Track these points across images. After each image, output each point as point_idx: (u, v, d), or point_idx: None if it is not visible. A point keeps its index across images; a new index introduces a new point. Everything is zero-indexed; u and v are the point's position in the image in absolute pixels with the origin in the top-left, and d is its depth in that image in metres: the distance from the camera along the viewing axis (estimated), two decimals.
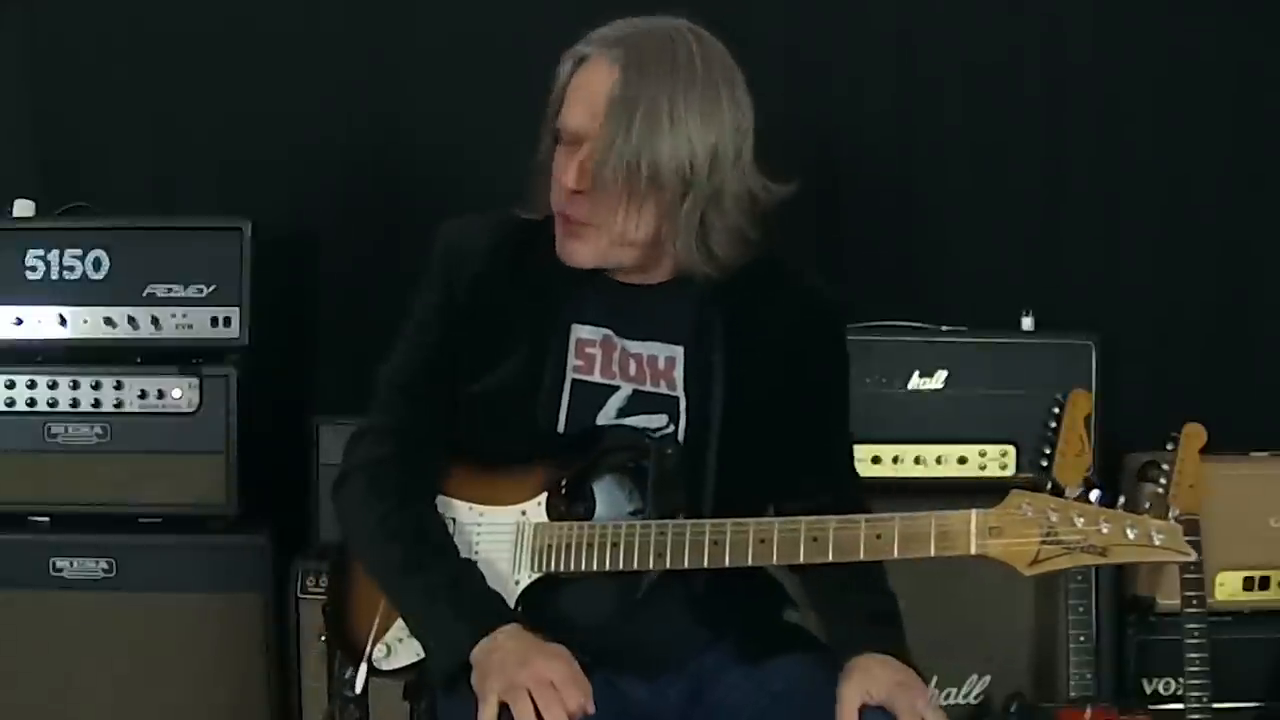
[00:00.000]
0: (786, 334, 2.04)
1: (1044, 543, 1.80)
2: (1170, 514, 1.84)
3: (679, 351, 2.03)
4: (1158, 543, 1.79)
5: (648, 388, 2.02)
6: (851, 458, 2.18)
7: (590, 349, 2.01)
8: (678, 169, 1.88)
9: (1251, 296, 3.47)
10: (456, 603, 1.91)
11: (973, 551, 1.83)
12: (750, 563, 1.90)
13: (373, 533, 2.00)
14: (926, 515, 1.85)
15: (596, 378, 2.01)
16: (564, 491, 1.98)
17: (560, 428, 2.00)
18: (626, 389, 2.01)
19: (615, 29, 1.94)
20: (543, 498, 1.98)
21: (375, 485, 2.02)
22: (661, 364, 2.03)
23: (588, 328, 2.02)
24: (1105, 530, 1.79)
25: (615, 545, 1.92)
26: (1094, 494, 1.82)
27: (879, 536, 1.85)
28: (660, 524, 1.92)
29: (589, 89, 1.90)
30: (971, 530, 1.83)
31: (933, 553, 1.84)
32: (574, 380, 2.00)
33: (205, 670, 2.93)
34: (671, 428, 2.01)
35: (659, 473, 1.96)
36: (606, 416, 2.00)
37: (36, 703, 2.92)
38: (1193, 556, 1.83)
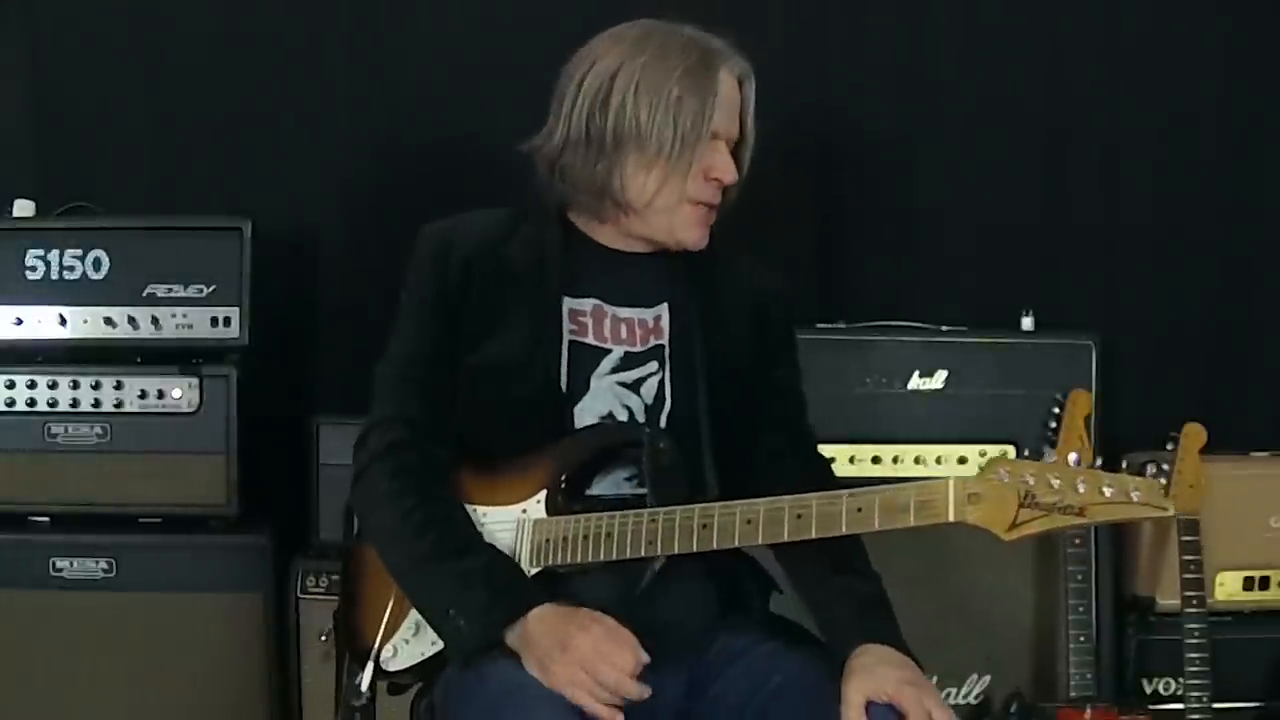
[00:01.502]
0: (748, 310, 2.19)
1: (1022, 506, 1.81)
2: (1149, 470, 1.82)
3: (664, 308, 2.15)
4: (1135, 499, 1.79)
5: (638, 348, 2.11)
6: (805, 411, 2.25)
7: (582, 317, 2.11)
8: None
9: (1251, 297, 3.47)
10: (492, 588, 1.95)
11: (951, 518, 1.84)
12: (737, 543, 1.93)
13: (399, 526, 2.02)
14: (907, 486, 1.86)
15: (590, 340, 2.10)
16: (563, 487, 2.02)
17: (562, 386, 2.06)
18: (618, 351, 2.11)
19: (697, 32, 2.14)
20: (542, 495, 2.03)
21: (396, 479, 2.05)
22: (650, 323, 2.14)
23: (578, 299, 2.11)
24: (1082, 490, 1.79)
25: (609, 535, 1.97)
26: (1071, 456, 1.83)
27: (860, 510, 1.88)
28: (652, 512, 1.96)
29: (731, 97, 2.13)
30: (950, 498, 1.84)
31: (913, 522, 1.85)
32: (570, 341, 2.09)
33: (205, 670, 2.93)
34: (661, 372, 2.10)
35: (655, 465, 2.01)
36: (601, 374, 2.09)
37: (36, 703, 2.91)
38: (1170, 511, 1.82)
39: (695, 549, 1.93)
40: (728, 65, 2.12)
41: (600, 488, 2.05)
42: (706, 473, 2.07)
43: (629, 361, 2.11)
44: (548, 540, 2.00)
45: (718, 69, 2.10)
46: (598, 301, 2.12)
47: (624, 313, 2.13)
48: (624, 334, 2.12)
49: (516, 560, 2.01)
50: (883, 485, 1.88)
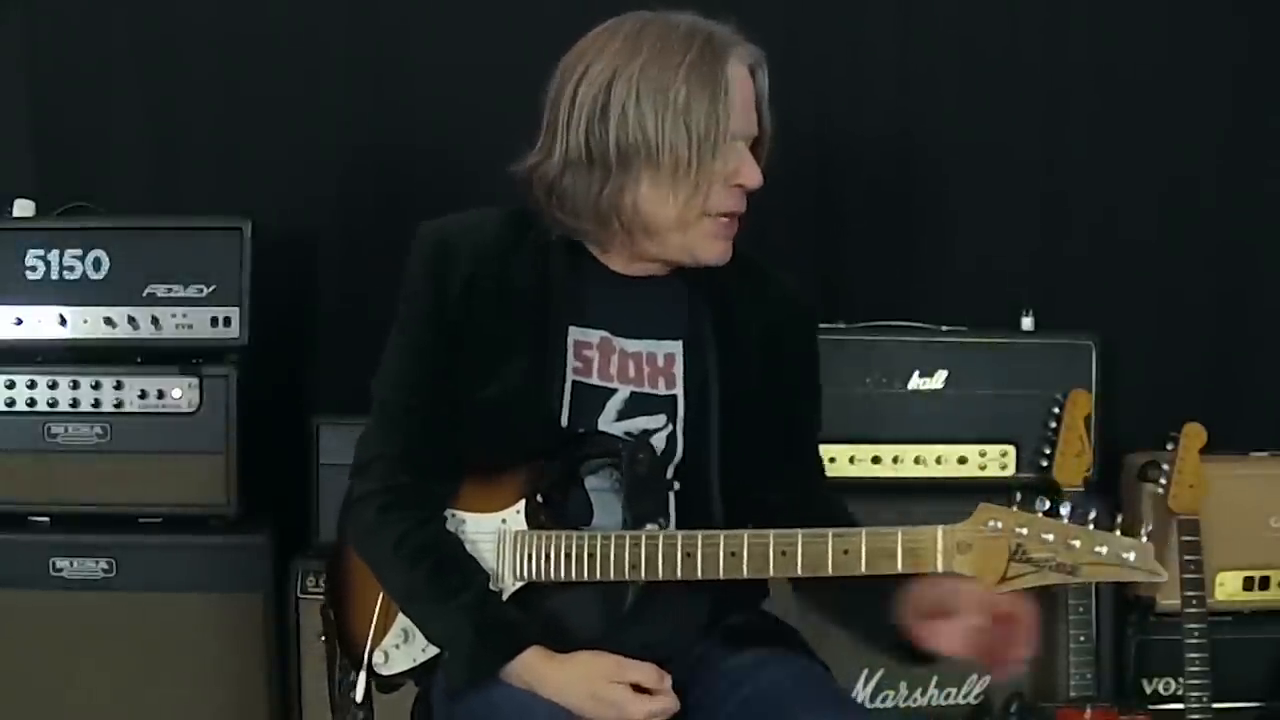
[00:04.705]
0: (766, 328, 2.06)
1: (1012, 560, 1.77)
2: (1144, 530, 1.79)
3: (678, 347, 2.02)
4: (1129, 561, 1.75)
5: (645, 389, 2.00)
6: (819, 450, 2.17)
7: (588, 351, 1.99)
8: None
9: (1251, 296, 3.47)
10: (478, 628, 1.91)
11: (940, 569, 1.80)
12: (722, 575, 1.88)
13: (389, 558, 1.97)
14: (893, 530, 1.82)
15: (595, 380, 1.99)
16: (541, 500, 1.96)
17: (564, 430, 1.97)
18: (624, 391, 1.99)
19: (696, 19, 1.94)
20: (521, 505, 1.97)
21: (387, 511, 1.98)
22: (661, 360, 2.01)
23: (584, 329, 1.99)
24: (1076, 547, 1.75)
25: (593, 556, 1.91)
26: (1064, 508, 1.78)
27: (846, 551, 1.83)
28: (635, 535, 1.91)
29: (745, 90, 1.93)
30: (939, 547, 1.80)
31: (900, 569, 1.81)
32: (574, 383, 1.98)
33: (205, 670, 2.93)
34: (670, 426, 2.00)
35: (633, 477, 1.94)
36: (606, 419, 1.99)
37: (36, 703, 2.91)
38: (1163, 577, 1.77)
39: (679, 576, 1.88)
40: (736, 54, 1.91)
41: (580, 500, 1.97)
42: (714, 521, 1.98)
43: (635, 405, 1.99)
44: (530, 555, 1.94)
45: (726, 60, 1.89)
46: (605, 334, 1.98)
47: (633, 345, 1.99)
48: (631, 372, 1.99)
49: (499, 572, 1.96)
50: (871, 528, 1.84)
